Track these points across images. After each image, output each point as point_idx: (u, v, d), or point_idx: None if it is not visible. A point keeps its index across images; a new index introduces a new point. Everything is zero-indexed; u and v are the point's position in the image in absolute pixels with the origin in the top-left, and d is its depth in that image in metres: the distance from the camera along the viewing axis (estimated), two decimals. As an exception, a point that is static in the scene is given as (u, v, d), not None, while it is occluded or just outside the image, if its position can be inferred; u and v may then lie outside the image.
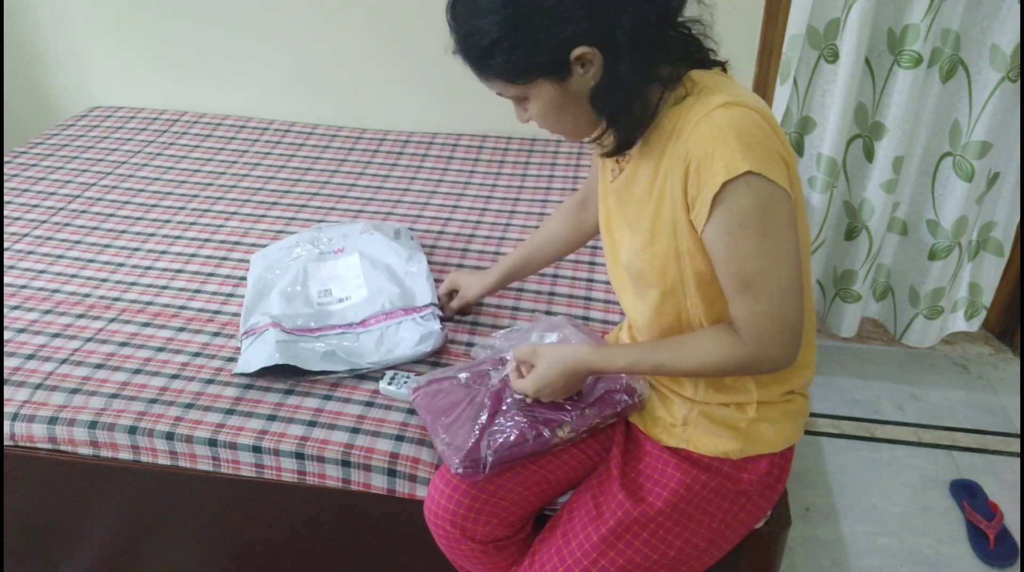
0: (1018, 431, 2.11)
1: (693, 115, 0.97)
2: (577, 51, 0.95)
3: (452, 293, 1.62)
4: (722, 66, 1.05)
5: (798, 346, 1.02)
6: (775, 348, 1.00)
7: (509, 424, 1.17)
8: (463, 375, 1.32)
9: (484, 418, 1.19)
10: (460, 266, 1.84)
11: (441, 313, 1.60)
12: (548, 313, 1.68)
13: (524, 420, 1.17)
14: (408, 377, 1.47)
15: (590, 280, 1.79)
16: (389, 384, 1.46)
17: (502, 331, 1.36)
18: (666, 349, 1.07)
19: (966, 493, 1.90)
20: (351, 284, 1.66)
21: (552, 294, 1.75)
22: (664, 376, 1.16)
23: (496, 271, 1.55)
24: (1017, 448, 2.06)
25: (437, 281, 1.71)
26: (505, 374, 1.25)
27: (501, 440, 1.16)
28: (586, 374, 1.16)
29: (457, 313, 1.63)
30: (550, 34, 0.94)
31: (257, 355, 1.46)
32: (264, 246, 1.89)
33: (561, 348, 1.16)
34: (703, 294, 1.05)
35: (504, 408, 1.20)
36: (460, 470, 1.16)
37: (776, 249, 0.96)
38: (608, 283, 1.78)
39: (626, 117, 1.00)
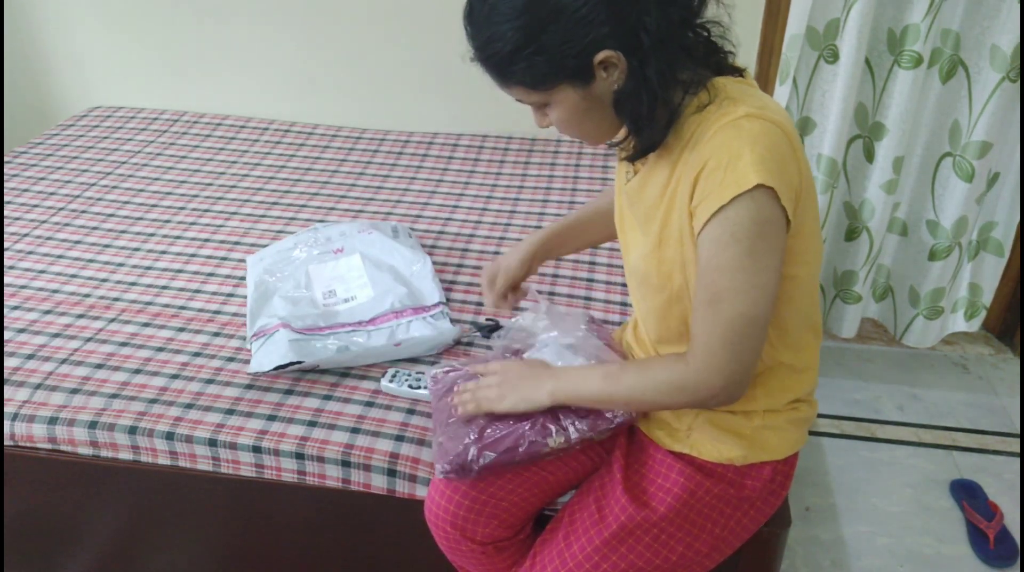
0: (1018, 431, 2.11)
1: (713, 123, 0.96)
2: (601, 55, 0.93)
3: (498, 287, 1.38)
4: (741, 72, 1.04)
5: (743, 386, 0.99)
6: (718, 377, 0.97)
7: (501, 430, 1.16)
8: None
9: (479, 423, 1.18)
10: (460, 266, 1.84)
11: (449, 312, 1.60)
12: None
13: (516, 428, 1.16)
14: (409, 374, 1.47)
15: (590, 280, 1.79)
16: (390, 382, 1.46)
17: (515, 319, 1.34)
18: (615, 366, 1.08)
19: (966, 493, 1.90)
20: (355, 284, 1.66)
21: (552, 294, 1.75)
22: (612, 398, 1.10)
23: (534, 235, 1.38)
24: (1017, 448, 2.06)
25: (442, 281, 1.71)
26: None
27: (490, 445, 1.15)
28: (544, 377, 1.13)
29: (513, 303, 1.39)
30: (573, 38, 0.92)
31: (270, 354, 1.47)
32: (264, 246, 1.89)
33: (529, 361, 1.18)
34: None
35: (499, 414, 1.20)
36: (443, 475, 1.15)
37: (756, 272, 0.94)
38: (608, 283, 1.79)
39: (649, 121, 0.98)
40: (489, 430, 1.17)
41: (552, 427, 1.16)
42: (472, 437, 1.16)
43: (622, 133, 1.05)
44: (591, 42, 0.92)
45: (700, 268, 0.97)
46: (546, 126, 1.06)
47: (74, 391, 1.47)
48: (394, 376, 1.47)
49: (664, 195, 1.03)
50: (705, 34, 0.99)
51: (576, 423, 1.16)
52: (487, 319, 1.66)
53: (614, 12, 0.91)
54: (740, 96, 0.98)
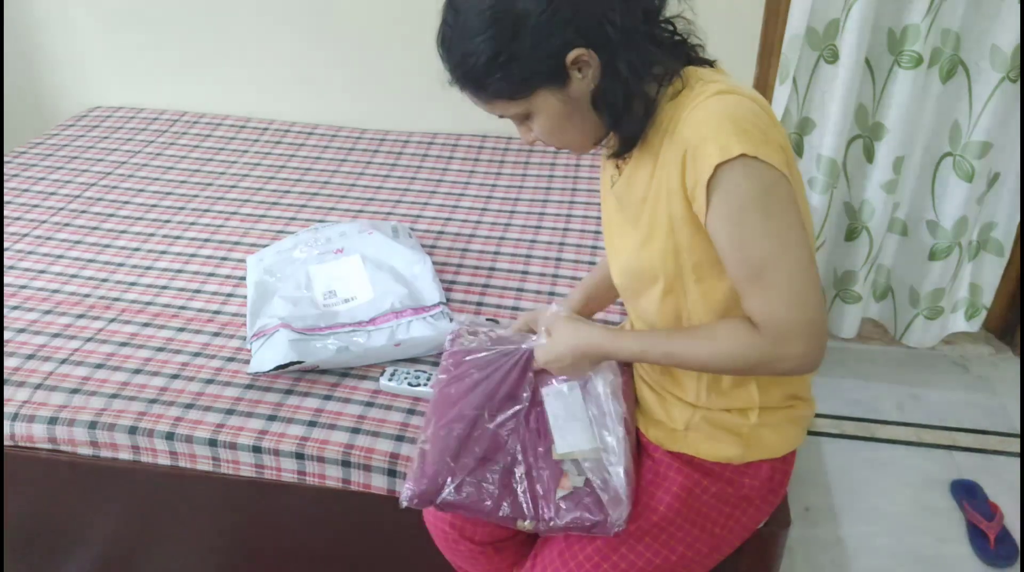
0: (1018, 431, 2.11)
1: (687, 106, 0.97)
2: (572, 54, 0.95)
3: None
4: (711, 64, 1.05)
5: (822, 342, 0.96)
6: (796, 345, 0.94)
7: (490, 486, 1.11)
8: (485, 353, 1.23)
9: (471, 460, 1.13)
10: (460, 266, 1.84)
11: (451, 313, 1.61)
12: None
13: (501, 490, 1.11)
14: (408, 372, 1.47)
15: (590, 280, 1.79)
16: (389, 380, 1.47)
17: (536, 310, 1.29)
18: (680, 337, 1.04)
19: (966, 493, 1.90)
20: (355, 284, 1.66)
21: (552, 294, 1.75)
22: (678, 366, 1.09)
23: (577, 290, 1.38)
24: (1017, 448, 2.06)
25: (442, 281, 1.71)
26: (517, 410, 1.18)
27: (473, 499, 1.11)
28: (597, 357, 1.12)
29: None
30: (543, 41, 0.94)
31: (270, 354, 1.47)
32: (264, 246, 1.89)
33: (578, 326, 1.13)
34: (702, 290, 1.04)
35: (495, 455, 1.14)
36: (405, 504, 1.12)
37: (783, 231, 0.93)
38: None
39: (628, 114, 1.00)
40: (477, 477, 1.12)
41: (528, 512, 1.11)
42: (453, 474, 1.11)
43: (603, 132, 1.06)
44: (561, 43, 0.94)
45: (724, 252, 0.96)
46: (532, 141, 1.06)
47: (74, 391, 1.47)
48: (393, 374, 1.48)
49: (651, 186, 1.03)
50: (671, 28, 1.02)
51: (552, 523, 1.11)
52: (487, 319, 1.66)
53: (578, 11, 0.93)
54: (711, 78, 0.99)
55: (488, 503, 1.11)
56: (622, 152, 1.05)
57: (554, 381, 1.18)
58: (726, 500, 1.13)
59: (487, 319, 1.65)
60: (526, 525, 1.12)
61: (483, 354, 1.22)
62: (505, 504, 1.11)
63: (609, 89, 0.98)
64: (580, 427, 1.15)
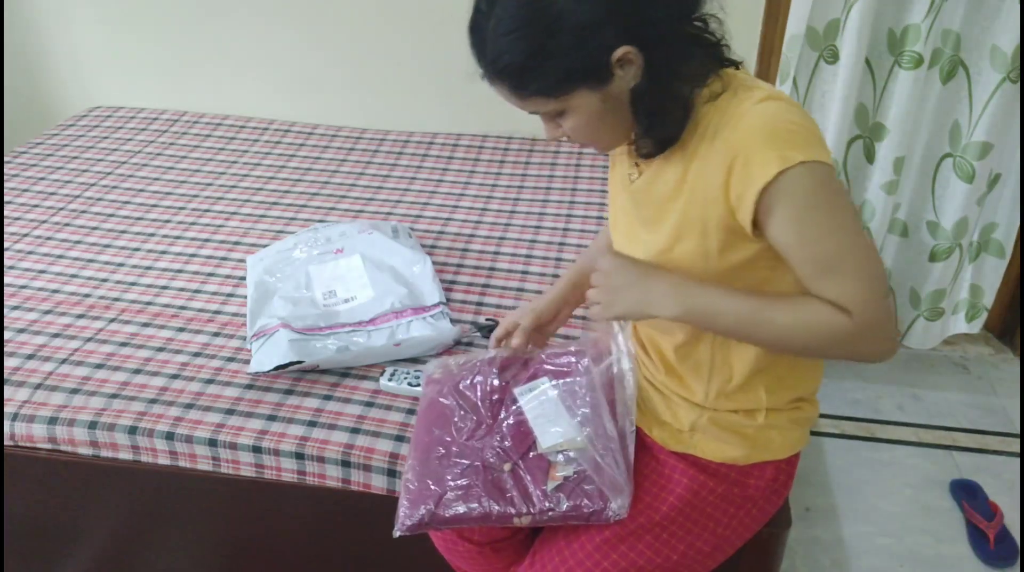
0: (1018, 431, 2.11)
1: (732, 112, 0.96)
2: (619, 52, 0.92)
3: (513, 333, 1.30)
4: (737, 65, 1.03)
5: (895, 329, 0.96)
6: (879, 331, 0.94)
7: (477, 493, 1.12)
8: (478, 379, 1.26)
9: (452, 477, 1.14)
10: (460, 266, 1.84)
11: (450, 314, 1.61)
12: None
13: (489, 495, 1.12)
14: (408, 372, 1.47)
15: (590, 280, 1.78)
16: (390, 380, 1.47)
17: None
18: (758, 297, 0.98)
19: (966, 493, 1.90)
20: (355, 285, 1.66)
21: (552, 294, 1.75)
22: (749, 333, 0.99)
23: (562, 279, 1.36)
24: (1017, 448, 2.06)
25: (442, 281, 1.71)
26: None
27: (463, 511, 1.12)
28: (665, 293, 1.00)
29: (539, 344, 1.32)
30: (587, 39, 0.91)
31: (270, 354, 1.47)
32: (264, 246, 1.89)
33: (649, 267, 1.05)
34: None
35: (476, 465, 1.15)
36: (398, 534, 1.13)
37: (847, 221, 0.94)
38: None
39: (666, 115, 0.98)
40: (456, 485, 1.13)
41: (521, 507, 1.11)
42: (435, 498, 1.12)
43: (636, 132, 1.03)
44: (604, 41, 0.92)
45: (791, 252, 0.95)
46: (558, 136, 1.04)
47: (74, 391, 1.47)
48: (393, 374, 1.48)
49: (682, 188, 1.01)
50: (703, 26, 1.00)
51: (550, 514, 1.11)
52: (487, 319, 1.66)
53: (621, 7, 0.91)
54: (752, 83, 0.99)
55: (479, 511, 1.11)
56: (657, 153, 1.02)
57: (524, 382, 1.21)
58: (730, 500, 1.13)
59: (487, 320, 1.65)
60: (524, 521, 1.12)
61: (449, 383, 1.26)
62: (496, 506, 1.12)
63: (649, 89, 0.96)
64: (558, 419, 1.16)
